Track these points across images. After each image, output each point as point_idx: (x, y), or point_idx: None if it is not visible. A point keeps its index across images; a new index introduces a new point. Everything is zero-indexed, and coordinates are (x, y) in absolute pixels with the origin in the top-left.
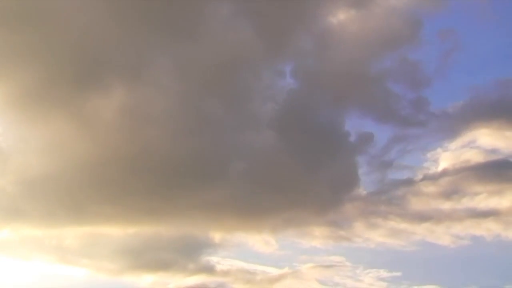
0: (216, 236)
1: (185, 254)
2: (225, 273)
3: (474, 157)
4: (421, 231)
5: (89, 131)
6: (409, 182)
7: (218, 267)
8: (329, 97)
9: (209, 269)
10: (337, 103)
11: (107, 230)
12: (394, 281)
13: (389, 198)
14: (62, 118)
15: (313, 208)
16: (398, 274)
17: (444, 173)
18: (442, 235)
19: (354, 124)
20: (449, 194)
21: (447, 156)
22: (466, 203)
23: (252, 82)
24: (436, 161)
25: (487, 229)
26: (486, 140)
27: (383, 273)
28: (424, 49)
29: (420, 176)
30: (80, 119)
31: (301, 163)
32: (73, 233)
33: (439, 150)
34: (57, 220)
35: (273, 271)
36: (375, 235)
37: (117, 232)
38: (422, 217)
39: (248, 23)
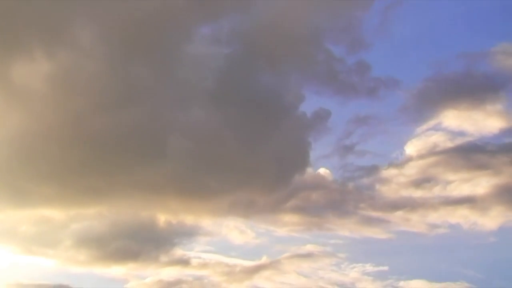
0: (162, 219)
1: (152, 244)
2: (202, 265)
3: (441, 140)
4: (396, 220)
5: (12, 100)
6: (375, 169)
7: (193, 260)
8: (269, 62)
9: (183, 261)
10: (277, 68)
11: (51, 213)
12: (381, 276)
13: (358, 186)
14: None
15: (263, 189)
16: (385, 268)
17: (411, 159)
18: (418, 224)
19: (299, 89)
20: (420, 182)
21: (414, 142)
22: (439, 190)
23: (182, 46)
24: (402, 147)
25: (463, 216)
26: (452, 122)
27: (369, 267)
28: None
29: (386, 163)
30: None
31: (245, 138)
32: (20, 217)
33: (404, 135)
34: None
35: (250, 263)
36: (348, 224)
37: (60, 215)
38: (396, 206)
39: None
